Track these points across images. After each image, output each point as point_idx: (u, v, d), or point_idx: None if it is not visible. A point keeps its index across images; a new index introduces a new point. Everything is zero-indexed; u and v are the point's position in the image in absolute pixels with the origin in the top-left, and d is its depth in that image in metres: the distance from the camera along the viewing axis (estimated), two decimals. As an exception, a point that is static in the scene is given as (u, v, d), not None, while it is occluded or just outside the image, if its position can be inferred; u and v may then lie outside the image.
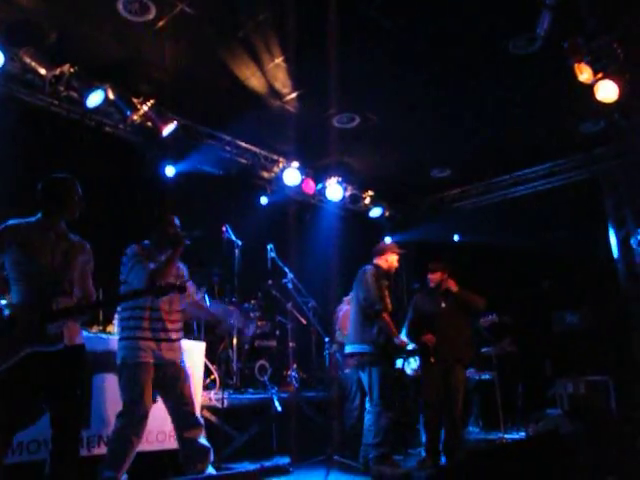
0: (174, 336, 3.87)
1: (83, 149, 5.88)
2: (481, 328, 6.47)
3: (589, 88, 5.33)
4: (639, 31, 5.08)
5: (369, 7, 5.00)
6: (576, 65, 4.96)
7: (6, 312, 2.91)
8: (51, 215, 3.13)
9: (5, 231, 3.03)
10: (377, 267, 5.34)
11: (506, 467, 2.80)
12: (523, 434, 6.54)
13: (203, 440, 3.81)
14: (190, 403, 3.85)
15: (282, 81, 6.15)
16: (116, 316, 4.58)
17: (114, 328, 4.83)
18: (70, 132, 5.99)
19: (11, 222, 3.08)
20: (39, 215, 3.14)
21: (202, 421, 3.92)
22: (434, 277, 5.58)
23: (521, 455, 2.98)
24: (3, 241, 3.00)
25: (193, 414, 3.88)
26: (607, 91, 5.17)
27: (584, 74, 5.01)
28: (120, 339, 3.82)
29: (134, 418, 3.63)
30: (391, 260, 5.43)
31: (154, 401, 3.76)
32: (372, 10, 5.04)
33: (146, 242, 3.95)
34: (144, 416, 3.66)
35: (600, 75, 5.09)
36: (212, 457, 3.81)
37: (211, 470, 3.80)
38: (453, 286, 5.50)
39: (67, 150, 5.67)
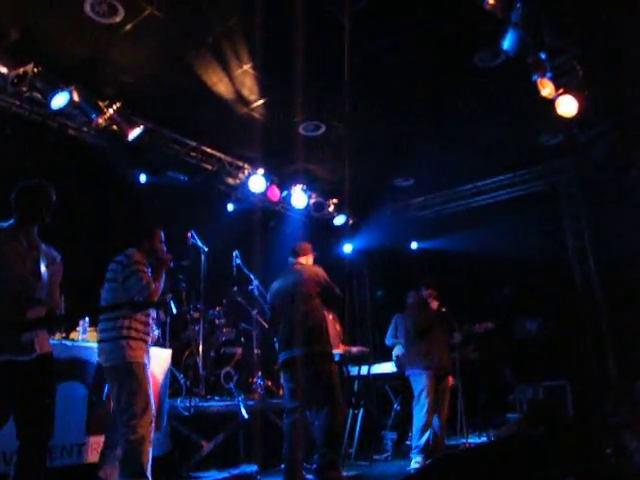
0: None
1: (45, 152, 5.72)
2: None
3: (550, 102, 5.53)
4: (596, 50, 5.33)
5: (338, 18, 5.07)
6: (539, 80, 5.14)
7: None
8: (24, 222, 3.05)
9: None
10: None
11: (478, 470, 2.86)
12: (485, 439, 6.67)
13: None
14: None
15: (249, 88, 6.15)
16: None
17: (78, 335, 4.72)
18: (32, 134, 5.82)
19: None
20: (12, 221, 3.06)
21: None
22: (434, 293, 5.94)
23: (492, 458, 3.04)
24: None
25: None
26: (567, 106, 5.38)
27: (546, 89, 5.20)
28: (121, 337, 3.69)
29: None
30: None
31: None
32: (341, 20, 5.10)
33: (131, 249, 3.88)
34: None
35: (561, 90, 5.29)
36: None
37: None
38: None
39: (28, 153, 5.50)
